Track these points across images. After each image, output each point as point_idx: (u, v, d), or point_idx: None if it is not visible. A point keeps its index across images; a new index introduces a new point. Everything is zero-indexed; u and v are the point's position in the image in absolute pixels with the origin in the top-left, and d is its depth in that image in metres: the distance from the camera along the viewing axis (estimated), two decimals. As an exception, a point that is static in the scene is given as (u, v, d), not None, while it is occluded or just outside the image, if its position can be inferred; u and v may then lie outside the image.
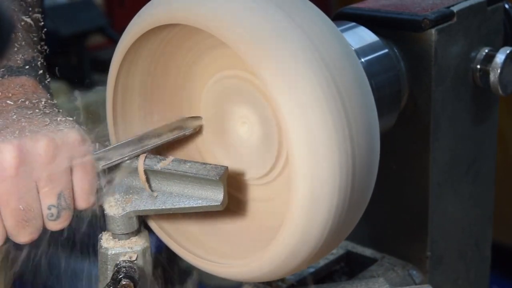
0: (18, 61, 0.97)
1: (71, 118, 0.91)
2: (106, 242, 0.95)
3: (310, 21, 0.88)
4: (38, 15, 1.06)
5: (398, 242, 1.20)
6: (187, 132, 1.01)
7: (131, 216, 0.95)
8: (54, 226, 0.89)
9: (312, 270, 1.17)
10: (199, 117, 1.02)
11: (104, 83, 1.02)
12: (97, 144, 0.93)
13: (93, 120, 0.98)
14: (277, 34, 0.85)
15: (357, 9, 1.15)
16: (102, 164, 0.93)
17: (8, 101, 0.91)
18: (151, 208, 0.94)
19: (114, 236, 0.95)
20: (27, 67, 0.97)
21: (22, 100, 0.92)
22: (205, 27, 0.88)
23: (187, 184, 0.94)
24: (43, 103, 0.93)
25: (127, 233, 0.95)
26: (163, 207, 0.94)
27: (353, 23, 1.11)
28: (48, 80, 1.00)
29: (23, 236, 0.88)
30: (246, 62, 0.86)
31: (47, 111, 0.91)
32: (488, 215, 1.29)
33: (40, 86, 0.97)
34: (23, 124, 0.87)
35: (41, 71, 0.99)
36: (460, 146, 1.18)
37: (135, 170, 0.95)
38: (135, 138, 0.96)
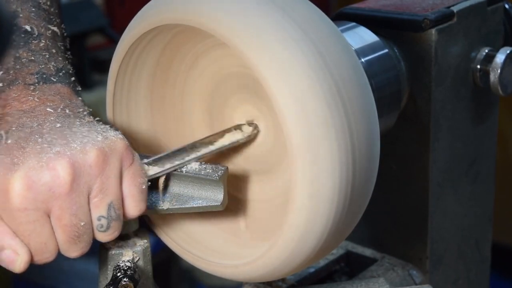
0: (51, 69, 0.96)
1: (112, 126, 0.90)
2: (106, 242, 0.95)
3: (310, 21, 0.88)
4: (62, 24, 1.06)
5: (398, 242, 1.20)
6: (242, 140, 0.99)
7: (131, 216, 0.95)
8: (104, 237, 0.88)
9: (312, 270, 1.17)
10: (254, 123, 1.00)
11: (104, 83, 1.02)
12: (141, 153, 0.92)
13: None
14: (277, 34, 0.85)
15: (357, 9, 1.15)
16: (155, 172, 0.91)
17: (48, 109, 0.89)
18: (151, 208, 0.94)
19: (114, 236, 0.95)
20: (60, 74, 0.96)
21: (62, 108, 0.90)
22: (204, 27, 0.88)
23: (187, 184, 0.94)
24: (81, 111, 0.92)
25: (127, 233, 0.95)
26: (163, 207, 0.94)
27: (353, 23, 1.11)
28: (79, 88, 0.99)
29: (74, 251, 0.86)
30: (246, 63, 0.86)
31: (88, 120, 0.90)
32: (488, 215, 1.29)
33: (74, 94, 0.96)
34: (69, 134, 0.86)
35: (73, 78, 0.98)
36: (460, 146, 1.18)
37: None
38: (187, 146, 0.95)
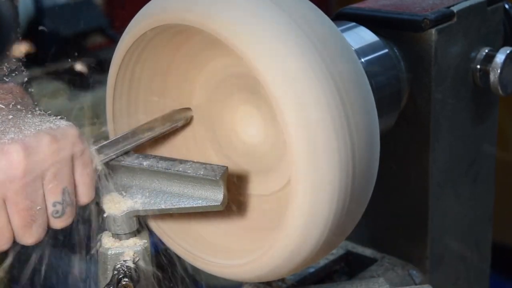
0: (4, 69, 0.99)
1: (63, 118, 0.92)
2: (106, 242, 0.95)
3: (311, 21, 0.88)
4: (17, 28, 1.08)
5: (398, 242, 1.20)
6: (180, 124, 1.02)
7: (131, 216, 0.95)
8: (59, 223, 0.89)
9: (312, 270, 1.17)
10: (189, 108, 1.03)
11: (104, 83, 1.03)
12: (91, 141, 0.94)
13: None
14: (277, 34, 0.85)
15: (357, 9, 1.15)
16: (100, 159, 0.94)
17: (0, 105, 0.92)
18: (151, 208, 0.94)
19: (114, 236, 0.95)
20: (13, 74, 0.99)
21: (13, 104, 0.93)
22: (204, 27, 0.88)
23: (187, 184, 0.94)
24: (32, 107, 0.94)
25: (127, 233, 0.95)
26: (163, 207, 0.94)
27: (353, 23, 1.11)
28: (31, 89, 1.01)
29: (30, 237, 0.87)
30: (246, 63, 0.86)
31: (40, 113, 0.92)
32: (488, 215, 1.29)
33: (26, 93, 0.99)
34: (21, 124, 0.88)
35: (26, 79, 1.00)
36: (460, 146, 1.18)
37: (135, 169, 0.96)
38: (129, 132, 0.97)
